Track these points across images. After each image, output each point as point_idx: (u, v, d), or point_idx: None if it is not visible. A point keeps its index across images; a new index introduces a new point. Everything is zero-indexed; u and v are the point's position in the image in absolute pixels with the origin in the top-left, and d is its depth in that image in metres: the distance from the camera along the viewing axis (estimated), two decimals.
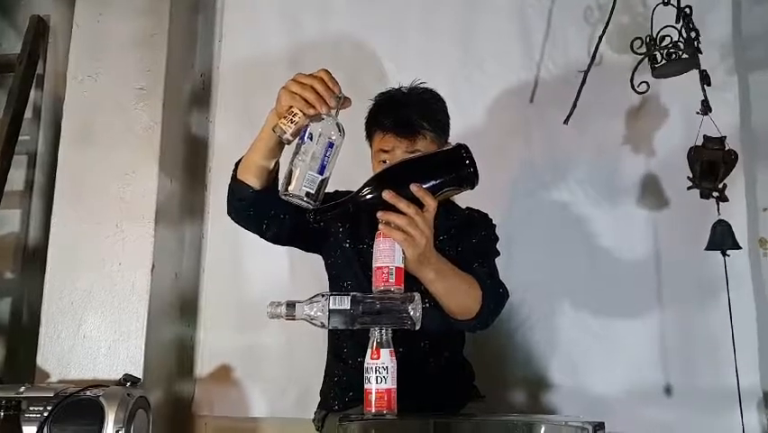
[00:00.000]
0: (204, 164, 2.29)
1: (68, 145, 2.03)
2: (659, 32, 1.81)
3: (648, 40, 1.83)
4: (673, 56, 1.80)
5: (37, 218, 2.24)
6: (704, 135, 1.79)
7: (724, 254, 1.75)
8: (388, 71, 2.20)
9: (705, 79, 1.81)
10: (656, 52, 1.81)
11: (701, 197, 1.80)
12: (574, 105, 1.92)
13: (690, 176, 1.81)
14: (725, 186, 1.78)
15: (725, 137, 1.79)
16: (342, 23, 2.27)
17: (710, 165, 1.79)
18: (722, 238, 1.75)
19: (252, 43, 2.31)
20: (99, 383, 1.51)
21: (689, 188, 1.81)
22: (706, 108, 1.79)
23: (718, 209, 1.77)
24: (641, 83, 1.86)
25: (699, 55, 1.80)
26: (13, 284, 2.22)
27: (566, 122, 1.93)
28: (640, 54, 1.84)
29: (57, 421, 1.39)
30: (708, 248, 1.77)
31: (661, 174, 2.07)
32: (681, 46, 1.79)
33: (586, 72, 1.95)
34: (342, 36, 2.26)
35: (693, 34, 1.79)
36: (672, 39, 1.80)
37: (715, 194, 1.78)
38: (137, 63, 2.06)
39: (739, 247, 1.76)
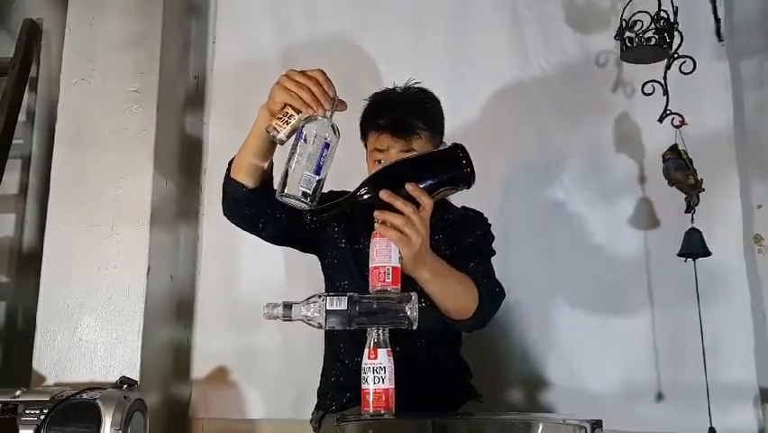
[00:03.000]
0: (198, 166, 2.29)
1: (62, 148, 2.02)
2: (631, 16, 1.82)
3: (622, 24, 1.83)
4: (644, 42, 1.81)
5: (32, 222, 2.24)
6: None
7: (694, 260, 1.83)
8: (381, 72, 2.20)
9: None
10: (627, 36, 1.81)
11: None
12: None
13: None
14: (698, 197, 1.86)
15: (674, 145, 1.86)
16: (335, 24, 2.27)
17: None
18: (694, 245, 1.82)
19: (245, 45, 2.30)
20: (96, 386, 1.50)
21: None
22: (683, 117, 1.85)
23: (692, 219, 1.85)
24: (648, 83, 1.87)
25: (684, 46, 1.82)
26: (7, 288, 2.21)
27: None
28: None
29: (54, 425, 1.38)
30: (680, 254, 1.84)
31: (653, 173, 2.08)
32: (654, 32, 1.80)
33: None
34: (334, 37, 2.26)
35: (665, 22, 1.80)
36: (642, 24, 1.81)
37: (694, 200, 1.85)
38: (130, 65, 2.05)
39: (709, 254, 1.82)
